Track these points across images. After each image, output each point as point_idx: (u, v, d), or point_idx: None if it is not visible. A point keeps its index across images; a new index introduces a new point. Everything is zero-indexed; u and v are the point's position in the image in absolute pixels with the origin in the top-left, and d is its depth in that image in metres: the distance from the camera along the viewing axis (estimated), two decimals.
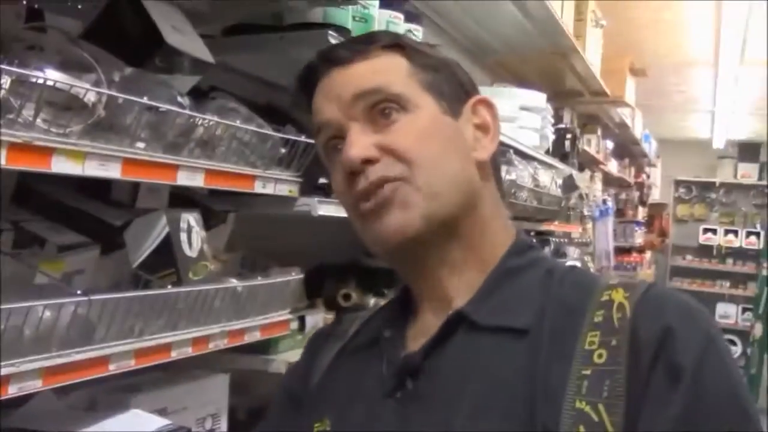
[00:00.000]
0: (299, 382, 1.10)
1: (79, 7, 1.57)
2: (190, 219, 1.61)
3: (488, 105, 1.02)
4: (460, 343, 0.92)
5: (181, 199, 1.82)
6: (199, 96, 1.68)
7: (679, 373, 0.80)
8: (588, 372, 0.82)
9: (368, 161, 0.93)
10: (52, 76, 1.21)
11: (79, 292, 1.33)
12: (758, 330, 8.13)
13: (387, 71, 0.96)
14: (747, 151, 10.90)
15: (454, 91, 0.99)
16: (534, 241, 1.09)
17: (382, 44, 0.98)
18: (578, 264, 4.43)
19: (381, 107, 0.94)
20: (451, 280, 0.97)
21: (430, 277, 0.98)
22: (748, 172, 10.95)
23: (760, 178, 10.89)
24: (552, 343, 0.86)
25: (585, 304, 0.88)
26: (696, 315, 0.86)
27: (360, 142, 0.93)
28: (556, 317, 0.89)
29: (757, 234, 10.54)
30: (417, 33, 2.28)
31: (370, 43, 0.98)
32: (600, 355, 0.82)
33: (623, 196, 8.99)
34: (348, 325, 1.12)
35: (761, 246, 9.70)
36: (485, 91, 3.58)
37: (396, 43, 0.99)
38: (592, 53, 4.67)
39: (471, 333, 0.92)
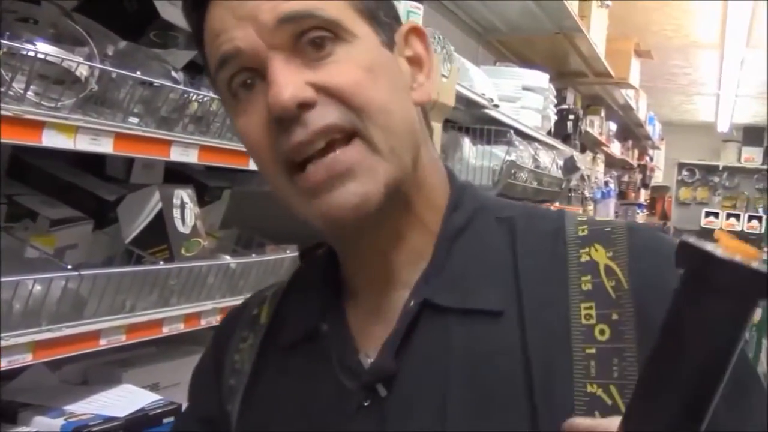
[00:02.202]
0: (212, 404, 0.94)
1: None
2: (184, 195, 1.61)
3: (420, 34, 0.86)
4: (429, 333, 0.79)
5: (177, 175, 1.81)
6: (194, 71, 1.66)
7: None
8: (593, 351, 0.74)
9: (304, 105, 0.74)
10: (44, 48, 1.20)
11: (69, 266, 1.32)
12: (757, 314, 8.15)
13: None
14: (751, 135, 10.87)
15: (390, 19, 0.82)
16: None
17: None
18: None
19: (312, 36, 0.75)
20: (396, 252, 0.83)
21: (374, 251, 0.83)
22: (751, 156, 10.93)
23: (763, 162, 10.88)
24: (538, 320, 0.76)
25: (563, 267, 0.79)
26: None
27: (292, 80, 0.74)
28: (532, 286, 0.78)
29: (759, 218, 10.55)
30: (417, 11, 2.26)
31: None
32: (602, 332, 0.75)
33: (626, 178, 8.98)
34: (255, 309, 0.95)
35: (763, 230, 9.70)
36: (488, 71, 3.54)
37: None
38: (597, 34, 4.64)
39: (437, 317, 0.79)
